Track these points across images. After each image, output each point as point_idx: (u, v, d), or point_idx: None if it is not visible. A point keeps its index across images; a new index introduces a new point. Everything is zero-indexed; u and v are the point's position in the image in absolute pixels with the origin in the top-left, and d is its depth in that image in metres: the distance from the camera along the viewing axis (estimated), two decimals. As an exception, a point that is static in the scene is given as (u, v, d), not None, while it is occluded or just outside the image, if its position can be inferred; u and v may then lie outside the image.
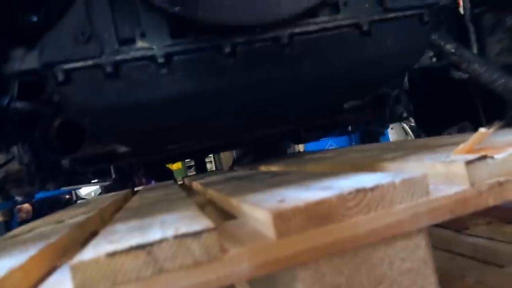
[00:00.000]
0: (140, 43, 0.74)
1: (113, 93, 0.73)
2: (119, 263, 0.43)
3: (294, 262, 0.47)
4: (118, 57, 0.72)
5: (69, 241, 0.72)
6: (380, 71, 0.84)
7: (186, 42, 0.74)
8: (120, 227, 0.64)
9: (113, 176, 2.07)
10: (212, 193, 0.94)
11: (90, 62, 0.72)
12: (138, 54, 0.73)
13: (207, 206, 1.15)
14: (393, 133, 4.03)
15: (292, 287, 0.49)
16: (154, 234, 0.49)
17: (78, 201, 4.40)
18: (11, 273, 0.45)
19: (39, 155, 0.85)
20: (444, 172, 0.60)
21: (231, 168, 2.39)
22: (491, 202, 0.55)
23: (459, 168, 0.56)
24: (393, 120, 1.38)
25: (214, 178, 1.51)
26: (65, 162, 0.98)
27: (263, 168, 1.61)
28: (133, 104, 0.74)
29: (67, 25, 0.72)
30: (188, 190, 1.57)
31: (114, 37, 0.73)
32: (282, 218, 0.47)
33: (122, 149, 1.09)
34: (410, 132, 4.36)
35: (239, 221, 0.64)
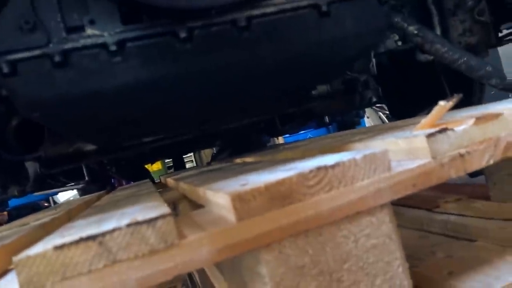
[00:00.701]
0: (89, 31, 0.71)
1: (63, 83, 0.69)
2: (69, 256, 0.41)
3: (256, 244, 0.46)
4: (67, 46, 0.69)
5: (29, 242, 0.68)
6: (341, 53, 0.84)
7: (139, 28, 0.72)
8: (79, 222, 0.62)
9: (86, 178, 2.02)
10: (183, 186, 0.92)
11: (37, 52, 0.68)
12: (88, 42, 0.70)
13: (181, 201, 1.13)
14: (369, 122, 4.08)
15: (257, 270, 0.48)
16: (109, 225, 0.47)
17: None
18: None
19: (-1, 158, 0.81)
20: (407, 148, 0.60)
21: (208, 164, 2.36)
22: (453, 174, 0.55)
23: (421, 142, 0.56)
24: (363, 106, 1.39)
25: (188, 173, 1.49)
26: (30, 165, 0.94)
27: (238, 160, 1.60)
28: (85, 93, 0.71)
29: (9, 14, 0.68)
30: (162, 187, 1.54)
31: (61, 25, 0.69)
32: (241, 200, 0.46)
33: (88, 147, 1.05)
34: (386, 120, 4.42)
35: (204, 210, 0.63)
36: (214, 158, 2.71)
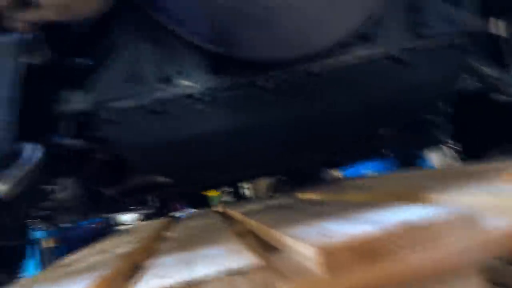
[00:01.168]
0: (182, 82, 0.78)
1: (156, 129, 0.77)
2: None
3: (343, 299, 0.46)
4: (161, 95, 0.77)
5: (122, 273, 0.74)
6: (414, 98, 0.84)
7: (224, 79, 0.78)
8: (165, 260, 0.66)
9: (155, 204, 2.12)
10: (253, 223, 0.94)
11: (135, 101, 0.77)
12: (181, 92, 0.77)
13: (247, 236, 1.15)
14: (432, 156, 3.89)
15: (341, 325, 0.48)
16: (199, 270, 0.50)
17: (121, 228, 4.51)
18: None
19: (86, 186, 0.89)
20: (495, 204, 0.58)
21: (267, 196, 2.38)
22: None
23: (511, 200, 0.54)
24: (431, 145, 1.35)
25: (253, 206, 1.52)
26: (108, 192, 1.02)
27: (301, 195, 1.60)
28: (175, 139, 0.78)
29: (115, 67, 0.77)
30: (227, 219, 1.58)
31: (158, 77, 0.77)
32: (328, 254, 0.47)
33: (162, 179, 1.12)
34: (450, 155, 4.20)
35: (283, 255, 0.64)
36: (275, 189, 2.73)
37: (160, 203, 2.23)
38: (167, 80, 0.77)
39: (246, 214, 1.24)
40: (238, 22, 0.74)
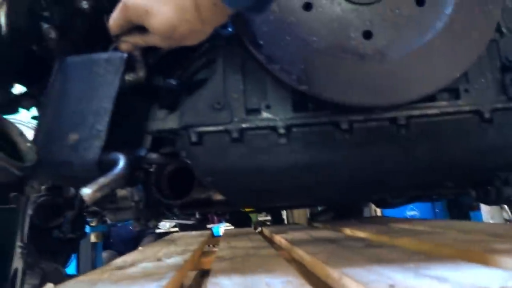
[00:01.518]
0: (265, 114, 0.82)
1: (236, 156, 0.81)
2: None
3: None
4: (245, 125, 0.81)
5: (174, 285, 0.77)
6: (498, 159, 0.82)
7: (306, 116, 0.81)
8: (225, 282, 0.68)
9: (197, 216, 2.15)
10: (304, 256, 0.94)
11: (220, 128, 0.81)
12: (262, 123, 0.81)
13: (291, 263, 1.15)
14: (486, 209, 3.68)
15: None
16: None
17: (157, 232, 4.63)
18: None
19: (148, 195, 0.94)
20: None
21: (308, 223, 2.35)
22: None
23: None
24: (498, 202, 1.28)
25: (297, 234, 1.51)
26: (170, 203, 1.07)
27: (348, 231, 1.57)
28: (252, 168, 0.81)
29: (205, 94, 0.83)
30: (270, 243, 1.58)
31: (243, 107, 0.82)
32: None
33: (218, 197, 1.16)
34: (507, 208, 3.95)
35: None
36: (313, 218, 2.69)
37: (202, 215, 2.27)
38: (254, 112, 0.82)
39: (292, 243, 1.24)
40: (330, 66, 0.77)
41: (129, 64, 0.80)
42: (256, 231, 2.20)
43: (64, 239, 1.58)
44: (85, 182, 0.75)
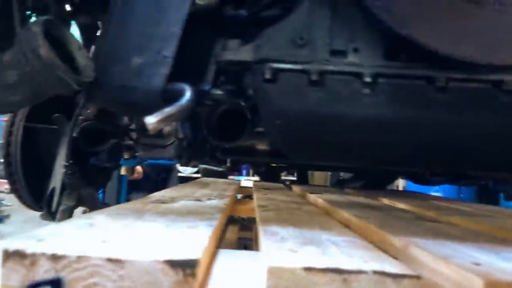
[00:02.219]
0: (351, 58, 0.73)
1: (312, 100, 0.73)
2: (314, 280, 0.41)
3: None
4: (327, 67, 0.72)
5: (221, 227, 0.74)
6: None
7: (397, 67, 0.71)
8: (280, 231, 0.64)
9: (227, 164, 2.13)
10: (350, 218, 0.89)
11: (299, 67, 0.73)
12: (347, 68, 0.72)
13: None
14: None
15: None
16: (335, 257, 0.47)
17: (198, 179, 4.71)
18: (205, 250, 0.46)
19: (195, 134, 0.89)
20: None
21: (338, 186, 2.30)
22: None
23: None
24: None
25: (332, 196, 1.47)
26: (217, 145, 1.02)
27: (385, 200, 1.52)
28: (327, 116, 0.73)
29: (287, 27, 0.74)
30: (302, 198, 1.55)
31: (327, 46, 0.72)
32: (494, 289, 0.41)
33: (262, 146, 1.11)
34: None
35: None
36: (342, 183, 2.65)
37: (232, 164, 2.24)
38: (340, 55, 0.72)
39: (331, 204, 1.19)
40: (440, 11, 0.65)
41: None
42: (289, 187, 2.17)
43: (99, 167, 1.59)
44: (146, 109, 0.71)
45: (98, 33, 0.95)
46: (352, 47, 0.72)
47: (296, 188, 1.98)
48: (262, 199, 1.20)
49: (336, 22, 0.72)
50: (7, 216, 4.43)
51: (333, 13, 0.72)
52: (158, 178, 4.23)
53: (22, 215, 1.59)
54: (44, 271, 0.40)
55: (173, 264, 0.40)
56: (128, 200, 3.87)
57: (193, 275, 0.40)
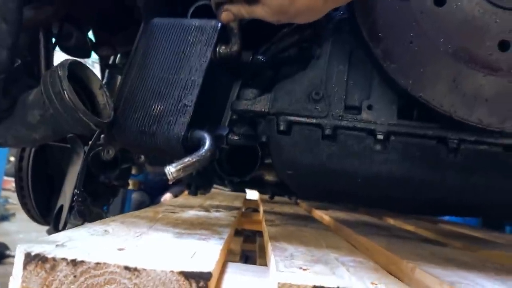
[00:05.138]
0: (365, 115, 0.73)
1: (323, 154, 0.73)
2: (323, 299, 0.42)
3: None
4: (340, 123, 0.72)
5: (230, 239, 0.75)
6: None
7: (410, 126, 0.71)
8: (289, 247, 0.65)
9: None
10: (359, 239, 0.90)
11: (313, 120, 0.73)
12: (360, 125, 0.72)
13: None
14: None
15: None
16: (345, 277, 0.48)
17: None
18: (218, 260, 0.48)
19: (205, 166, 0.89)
20: None
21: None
22: None
23: None
24: None
25: (338, 213, 1.47)
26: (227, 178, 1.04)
27: (390, 220, 1.52)
28: (337, 170, 0.72)
29: (303, 80, 0.74)
30: (308, 213, 1.55)
31: (342, 103, 0.73)
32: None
33: (270, 178, 1.12)
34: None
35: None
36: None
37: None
38: (355, 111, 0.73)
39: (337, 221, 1.20)
40: (455, 75, 0.65)
41: (222, 36, 0.73)
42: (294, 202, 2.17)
43: (108, 185, 1.60)
44: (165, 154, 0.71)
45: (120, 78, 0.99)
46: (366, 104, 0.72)
47: (302, 204, 1.98)
48: (269, 213, 1.21)
49: (352, 78, 0.73)
50: (13, 215, 4.47)
51: (349, 70, 0.73)
52: (161, 183, 4.22)
53: (28, 214, 1.61)
54: (63, 276, 0.41)
55: (188, 275, 0.42)
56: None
57: (206, 287, 0.42)
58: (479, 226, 2.86)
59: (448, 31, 0.67)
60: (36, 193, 1.48)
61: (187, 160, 0.64)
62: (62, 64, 0.67)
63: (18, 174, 1.50)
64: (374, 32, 0.71)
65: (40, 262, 0.42)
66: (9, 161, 5.78)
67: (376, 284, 0.46)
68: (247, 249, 1.97)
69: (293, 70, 0.80)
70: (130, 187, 3.37)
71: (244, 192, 2.32)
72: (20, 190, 1.49)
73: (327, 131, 0.73)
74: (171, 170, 0.63)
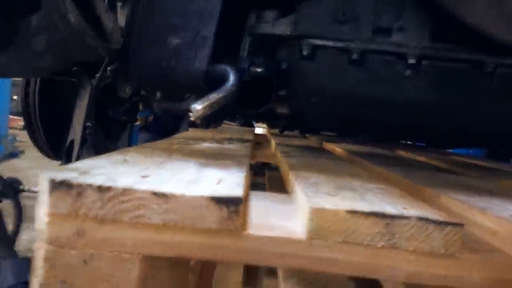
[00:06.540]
0: (395, 37, 0.67)
1: (351, 80, 0.68)
2: (357, 223, 0.41)
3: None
4: (369, 46, 0.66)
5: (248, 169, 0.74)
6: None
7: (445, 49, 0.65)
8: (311, 175, 0.64)
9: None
10: (376, 168, 0.89)
11: (339, 44, 0.67)
12: (390, 48, 0.66)
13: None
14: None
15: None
16: (375, 202, 0.47)
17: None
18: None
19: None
20: None
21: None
22: None
23: None
24: None
25: (351, 147, 1.46)
26: (246, 111, 0.99)
27: (403, 153, 1.52)
28: (364, 97, 0.68)
29: (330, 1, 0.67)
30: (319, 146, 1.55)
31: (371, 24, 0.66)
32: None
33: (283, 110, 1.08)
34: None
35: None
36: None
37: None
38: (384, 33, 0.66)
39: (353, 154, 1.19)
40: None
41: None
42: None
43: (117, 120, 1.58)
44: (186, 91, 0.67)
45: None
46: (397, 26, 0.66)
47: (311, 137, 1.98)
48: (281, 145, 1.20)
49: (386, 1, 0.66)
50: (22, 152, 4.54)
51: None
52: (169, 123, 4.23)
53: (37, 151, 1.61)
54: (91, 202, 0.40)
55: (218, 200, 0.40)
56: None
57: (236, 212, 0.41)
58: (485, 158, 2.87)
59: None
60: (45, 128, 1.47)
61: (212, 96, 0.61)
62: (64, -17, 0.61)
63: (26, 109, 1.48)
64: None
65: (66, 188, 0.40)
66: (12, 100, 5.73)
67: (408, 209, 0.45)
68: (258, 181, 2.00)
69: None
70: (138, 122, 3.36)
71: (252, 127, 2.31)
72: (29, 125, 1.48)
73: (355, 56, 0.69)
74: (197, 107, 0.60)
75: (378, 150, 1.45)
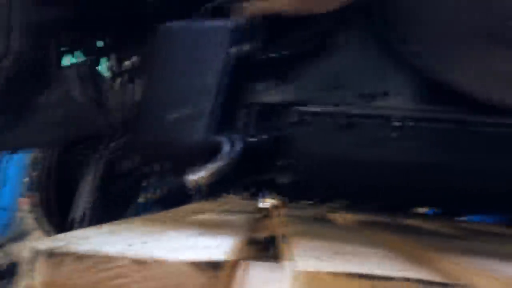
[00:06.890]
0: (380, 102, 0.71)
1: (337, 145, 0.71)
2: (341, 285, 0.40)
3: None
4: (355, 111, 0.70)
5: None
6: None
7: (429, 110, 0.68)
8: (312, 245, 0.62)
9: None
10: (391, 238, 0.86)
11: (328, 109, 0.71)
12: (375, 112, 0.70)
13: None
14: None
15: None
16: (369, 266, 0.46)
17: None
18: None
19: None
20: None
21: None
22: None
23: None
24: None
25: (360, 216, 1.43)
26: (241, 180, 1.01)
27: (411, 221, 1.47)
28: (350, 160, 0.70)
29: (317, 69, 0.72)
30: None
31: (357, 90, 0.71)
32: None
33: (283, 180, 1.09)
34: None
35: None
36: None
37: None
38: (369, 98, 0.71)
39: (358, 222, 1.17)
40: (484, 57, 0.62)
41: (239, 35, 0.71)
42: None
43: (120, 195, 1.59)
44: (186, 163, 0.70)
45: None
46: (382, 91, 0.70)
47: (318, 207, 1.95)
48: (284, 216, 1.19)
49: (370, 67, 0.71)
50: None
51: (364, 56, 0.71)
52: (180, 195, 4.21)
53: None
54: (70, 270, 0.40)
55: (197, 265, 0.40)
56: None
57: (216, 277, 0.40)
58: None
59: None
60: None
61: (209, 167, 0.62)
62: (71, 64, 0.67)
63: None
64: (393, 16, 0.68)
65: (47, 257, 0.41)
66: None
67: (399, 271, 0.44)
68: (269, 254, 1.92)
69: (307, 60, 0.78)
70: (142, 200, 3.34)
71: (258, 199, 2.29)
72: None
73: (342, 121, 0.71)
74: (193, 178, 0.61)
75: (383, 218, 1.42)
